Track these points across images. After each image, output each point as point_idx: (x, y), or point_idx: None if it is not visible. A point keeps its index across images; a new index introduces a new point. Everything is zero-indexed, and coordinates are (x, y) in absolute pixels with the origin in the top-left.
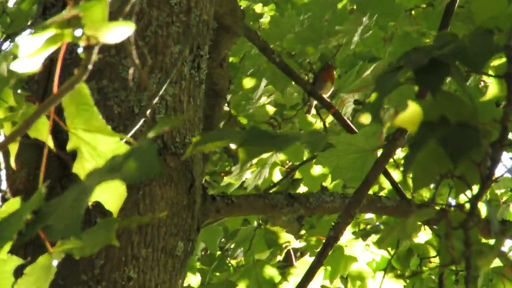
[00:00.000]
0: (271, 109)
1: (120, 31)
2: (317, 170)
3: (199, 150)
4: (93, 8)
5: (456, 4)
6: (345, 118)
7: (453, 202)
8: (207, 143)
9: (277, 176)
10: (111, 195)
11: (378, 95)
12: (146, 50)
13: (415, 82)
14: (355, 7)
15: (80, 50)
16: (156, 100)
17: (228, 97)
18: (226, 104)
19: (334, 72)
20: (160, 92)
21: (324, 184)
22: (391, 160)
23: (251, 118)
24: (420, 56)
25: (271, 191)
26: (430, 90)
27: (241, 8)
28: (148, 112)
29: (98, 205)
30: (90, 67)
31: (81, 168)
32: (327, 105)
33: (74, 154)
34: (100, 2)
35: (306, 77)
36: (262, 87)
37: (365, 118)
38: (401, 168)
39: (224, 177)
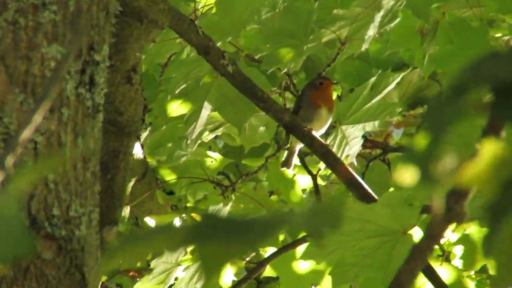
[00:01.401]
0: (218, 157)
1: None
2: (304, 266)
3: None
4: None
5: None
6: (353, 172)
7: None
8: (117, 257)
9: (229, 276)
10: None
11: (432, 135)
12: None
13: (492, 110)
14: None
15: None
16: (19, 141)
17: (143, 135)
18: (139, 147)
19: (332, 91)
20: (25, 129)
21: None
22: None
23: (183, 173)
24: (503, 67)
25: None
26: None
27: None
28: (7, 162)
29: None
30: None
31: None
32: (319, 150)
33: None
34: None
35: (282, 100)
36: (204, 117)
37: (407, 175)
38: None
39: (137, 279)
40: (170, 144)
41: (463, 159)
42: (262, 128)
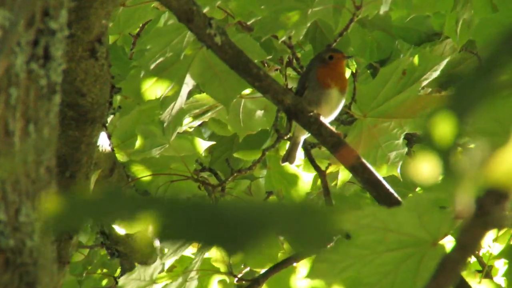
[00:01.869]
0: (202, 145)
1: None
2: (306, 284)
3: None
4: None
5: None
6: (374, 171)
7: None
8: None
9: None
10: None
11: (458, 118)
12: None
13: None
14: None
15: None
16: None
17: (110, 120)
18: (105, 137)
19: (345, 67)
20: None
21: None
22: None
23: (159, 169)
24: None
25: None
26: None
27: None
28: None
29: None
30: None
31: None
32: (329, 140)
33: None
34: None
35: (283, 78)
36: (184, 95)
37: (426, 168)
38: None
39: None
40: (143, 132)
41: (496, 148)
42: (259, 112)
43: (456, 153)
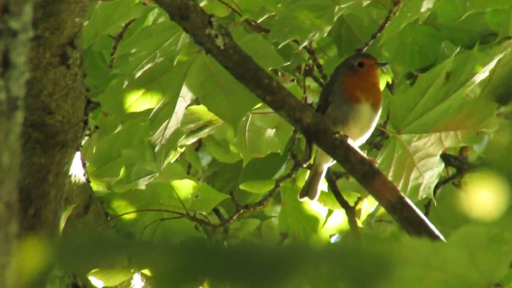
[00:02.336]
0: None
1: None
2: None
3: None
4: None
5: None
6: (415, 208)
7: None
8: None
9: None
10: None
11: None
12: None
13: None
14: None
15: None
16: None
17: (84, 143)
18: (79, 165)
19: (378, 76)
20: None
21: None
22: None
23: (146, 204)
24: None
25: None
26: None
27: None
28: None
29: None
30: None
31: None
32: (359, 169)
33: None
34: None
35: (301, 90)
36: (180, 111)
37: (486, 198)
38: None
39: None
40: (127, 158)
41: None
42: (270, 131)
43: None
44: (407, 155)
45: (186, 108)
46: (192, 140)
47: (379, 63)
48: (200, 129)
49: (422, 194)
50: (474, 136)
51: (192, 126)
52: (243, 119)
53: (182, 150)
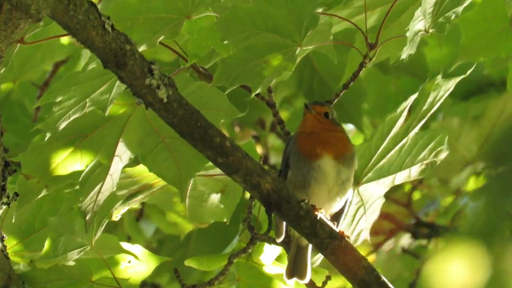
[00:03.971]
0: (143, 253)
1: None
2: None
3: None
4: None
5: None
6: (390, 286)
7: None
8: None
9: None
10: None
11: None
12: None
13: None
14: None
15: None
16: None
17: (1, 213)
18: None
19: (332, 121)
20: None
21: None
22: None
23: (76, 282)
24: None
25: None
26: None
27: None
28: None
29: None
30: None
31: None
32: (328, 244)
33: None
34: None
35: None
36: (116, 173)
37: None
38: None
39: None
40: (54, 228)
41: None
42: (214, 197)
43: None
44: (361, 204)
45: (124, 169)
46: (124, 209)
47: (324, 106)
48: (135, 194)
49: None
50: (425, 168)
51: (124, 192)
52: None
53: (118, 218)
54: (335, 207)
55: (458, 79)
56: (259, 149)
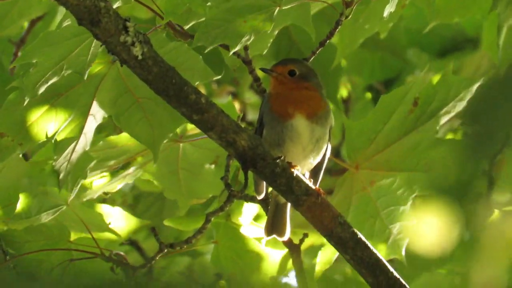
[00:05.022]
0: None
1: None
2: None
3: None
4: None
5: None
6: (370, 246)
7: None
8: None
9: None
10: None
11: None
12: None
13: None
14: None
15: None
16: None
17: None
18: None
19: (299, 79)
20: None
21: None
22: None
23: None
24: None
25: None
26: None
27: None
28: None
29: None
30: None
31: None
32: (304, 202)
33: None
34: None
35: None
36: (90, 132)
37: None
38: None
39: None
40: (27, 188)
41: None
42: (208, 169)
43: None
44: (368, 199)
45: (105, 139)
46: (119, 185)
47: (289, 65)
48: (123, 166)
49: (389, 253)
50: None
51: (112, 163)
52: (174, 152)
53: (108, 196)
54: (311, 164)
55: (476, 85)
56: (236, 105)
